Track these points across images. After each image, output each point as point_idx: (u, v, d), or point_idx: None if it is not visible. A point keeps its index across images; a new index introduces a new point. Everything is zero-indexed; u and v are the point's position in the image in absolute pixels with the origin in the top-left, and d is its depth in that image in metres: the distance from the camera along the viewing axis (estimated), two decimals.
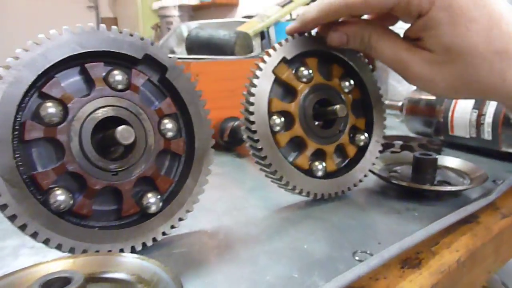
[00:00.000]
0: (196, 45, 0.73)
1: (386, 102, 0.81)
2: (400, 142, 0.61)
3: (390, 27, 0.41)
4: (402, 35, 0.39)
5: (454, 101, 0.61)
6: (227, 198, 0.44)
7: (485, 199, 0.39)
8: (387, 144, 0.61)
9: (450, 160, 0.49)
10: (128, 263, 0.26)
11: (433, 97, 0.65)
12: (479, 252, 0.34)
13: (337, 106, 0.40)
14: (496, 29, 0.36)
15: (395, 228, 0.36)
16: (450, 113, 0.61)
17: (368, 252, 0.31)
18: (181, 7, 3.39)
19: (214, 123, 0.64)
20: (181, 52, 0.84)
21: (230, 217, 0.39)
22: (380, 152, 0.46)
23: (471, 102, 0.59)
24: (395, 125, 0.83)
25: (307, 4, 0.96)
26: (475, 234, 0.35)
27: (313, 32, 0.42)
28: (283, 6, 0.90)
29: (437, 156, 0.46)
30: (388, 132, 0.71)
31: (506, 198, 0.43)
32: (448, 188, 0.42)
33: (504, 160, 0.56)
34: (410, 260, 0.31)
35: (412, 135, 0.71)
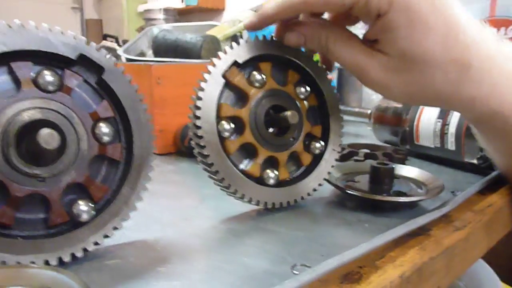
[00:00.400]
0: (162, 48, 0.71)
1: (356, 109, 0.80)
2: (365, 151, 0.60)
3: (350, 29, 0.40)
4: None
5: (420, 110, 0.61)
6: (177, 208, 0.43)
7: (437, 211, 0.38)
8: (351, 152, 0.60)
9: (408, 170, 0.48)
10: (35, 275, 0.24)
11: (400, 105, 0.65)
12: (427, 267, 0.33)
13: (288, 113, 0.39)
14: (452, 38, 0.35)
15: (342, 240, 0.35)
16: (415, 122, 0.61)
17: (308, 265, 0.30)
18: (166, 11, 3.37)
19: (176, 129, 0.62)
20: (150, 54, 0.82)
21: (174, 228, 0.37)
22: (337, 160, 0.45)
23: (436, 111, 0.58)
24: (367, 134, 0.83)
25: None
26: (423, 248, 0.34)
27: (268, 36, 0.41)
28: (256, 11, 0.88)
29: (394, 166, 0.45)
30: (358, 141, 0.70)
31: (462, 210, 0.42)
32: (402, 199, 0.41)
33: (467, 171, 0.56)
34: (351, 275, 0.30)
35: (380, 143, 0.70)
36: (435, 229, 0.38)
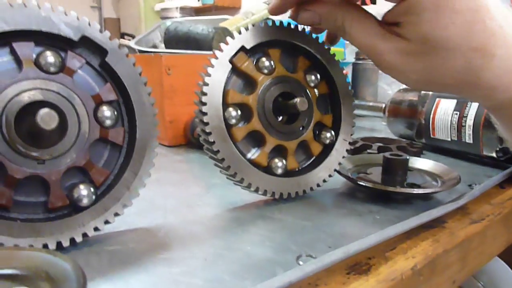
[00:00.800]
0: (174, 40, 0.71)
1: (371, 103, 0.78)
2: (379, 144, 0.59)
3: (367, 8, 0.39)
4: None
5: (436, 102, 0.59)
6: (182, 195, 0.42)
7: (453, 204, 0.36)
8: (365, 145, 0.58)
9: (423, 162, 0.46)
10: (31, 257, 0.23)
11: (416, 98, 0.63)
12: (440, 260, 0.32)
13: (297, 100, 0.38)
14: (480, 24, 0.33)
15: (350, 231, 0.33)
16: (431, 115, 0.59)
17: (314, 256, 0.29)
18: (182, 9, 3.39)
19: (186, 120, 0.62)
20: (163, 48, 0.82)
21: (177, 215, 0.36)
22: (348, 152, 0.43)
23: (452, 103, 0.56)
24: (382, 129, 0.81)
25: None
26: (437, 240, 0.33)
27: (277, 22, 0.40)
28: (269, 3, 0.87)
29: (408, 157, 0.43)
30: (373, 135, 0.68)
31: (479, 203, 0.40)
32: (416, 190, 0.39)
33: (486, 165, 0.53)
34: (359, 265, 0.28)
35: (394, 138, 0.68)
36: (450, 221, 0.36)
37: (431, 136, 0.59)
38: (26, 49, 0.29)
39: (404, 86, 0.90)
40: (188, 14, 3.45)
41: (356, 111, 0.73)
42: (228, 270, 0.27)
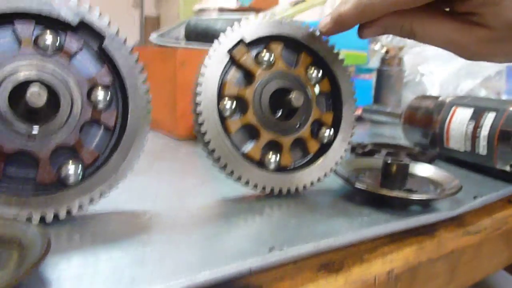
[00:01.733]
0: (193, 35, 0.72)
1: (388, 110, 0.77)
2: (388, 150, 0.57)
3: None
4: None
5: (452, 110, 0.57)
6: (177, 185, 0.42)
7: (446, 212, 0.35)
8: (373, 150, 0.57)
9: (425, 169, 0.45)
10: (9, 225, 0.25)
11: (432, 106, 0.60)
12: (423, 269, 0.30)
13: (292, 94, 0.37)
14: None
15: (334, 230, 0.32)
16: (446, 123, 0.57)
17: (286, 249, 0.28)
18: (220, 10, 3.43)
19: None
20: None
21: (166, 202, 0.37)
22: (346, 151, 0.42)
23: (469, 112, 0.54)
24: (402, 136, 0.78)
25: (323, 3, 0.93)
26: (422, 248, 0.31)
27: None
28: (294, 5, 0.87)
29: (408, 163, 0.42)
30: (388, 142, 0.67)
31: (479, 215, 0.39)
32: (411, 196, 0.38)
33: (498, 179, 0.51)
34: (332, 264, 0.28)
35: (408, 145, 0.66)
36: (442, 230, 0.35)
37: (445, 145, 0.57)
38: (26, 29, 0.31)
39: (418, 92, 0.87)
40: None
41: (374, 117, 0.72)
42: (197, 255, 0.27)
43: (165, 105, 0.65)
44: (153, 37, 0.75)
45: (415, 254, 0.30)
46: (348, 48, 0.86)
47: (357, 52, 0.86)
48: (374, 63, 1.01)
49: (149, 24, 4.16)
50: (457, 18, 0.35)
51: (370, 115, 0.81)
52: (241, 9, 3.55)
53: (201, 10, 3.58)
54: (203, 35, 0.69)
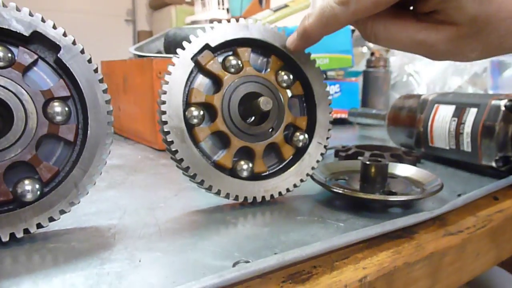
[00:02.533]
0: (173, 45, 0.71)
1: (373, 111, 0.75)
2: (372, 152, 0.56)
3: None
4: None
5: (434, 108, 0.55)
6: (148, 198, 0.41)
7: (425, 213, 0.33)
8: (357, 152, 0.55)
9: (405, 169, 0.43)
10: None
11: (415, 104, 0.59)
12: (400, 273, 0.29)
13: (260, 99, 0.36)
14: None
15: (307, 239, 0.31)
16: (430, 122, 0.55)
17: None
18: (212, 22, 3.44)
19: None
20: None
21: (134, 217, 0.35)
22: (323, 155, 0.41)
23: (451, 109, 0.53)
24: (388, 137, 0.77)
25: (306, 8, 0.93)
26: (398, 252, 0.30)
27: (249, 20, 0.39)
28: (275, 11, 0.86)
29: (387, 163, 0.40)
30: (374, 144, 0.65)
31: (462, 214, 0.37)
32: (391, 197, 0.36)
33: (485, 175, 0.49)
34: (299, 274, 0.26)
35: (394, 146, 0.64)
36: (422, 232, 0.33)
37: (430, 144, 0.56)
38: None
39: (405, 93, 0.86)
40: None
41: (360, 120, 0.71)
42: (158, 274, 0.26)
43: (144, 117, 0.64)
44: (132, 49, 0.74)
45: (390, 259, 0.29)
46: (332, 52, 0.85)
47: (341, 56, 0.85)
48: (362, 66, 1.00)
49: (142, 38, 4.17)
50: (422, 19, 0.33)
51: (355, 118, 0.80)
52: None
53: (194, 22, 3.59)
54: (182, 45, 0.68)
